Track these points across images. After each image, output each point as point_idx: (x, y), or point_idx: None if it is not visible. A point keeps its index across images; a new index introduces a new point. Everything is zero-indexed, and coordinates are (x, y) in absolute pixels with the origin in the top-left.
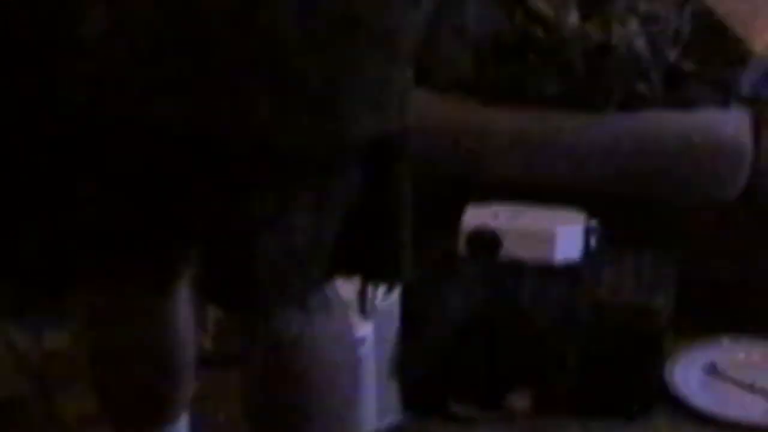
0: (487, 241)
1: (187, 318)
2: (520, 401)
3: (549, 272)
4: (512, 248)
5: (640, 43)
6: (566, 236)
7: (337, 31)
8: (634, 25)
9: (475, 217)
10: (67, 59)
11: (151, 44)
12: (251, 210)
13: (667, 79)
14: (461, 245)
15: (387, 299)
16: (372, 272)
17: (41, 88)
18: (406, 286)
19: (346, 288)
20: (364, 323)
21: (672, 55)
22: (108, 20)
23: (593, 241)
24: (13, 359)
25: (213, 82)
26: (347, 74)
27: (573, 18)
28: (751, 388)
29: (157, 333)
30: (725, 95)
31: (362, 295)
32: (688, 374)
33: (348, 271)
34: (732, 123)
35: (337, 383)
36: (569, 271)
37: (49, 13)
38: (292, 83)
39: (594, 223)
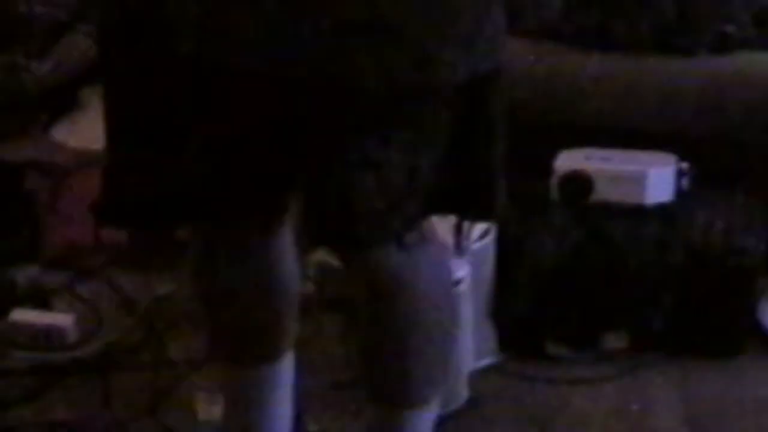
0: (579, 184)
1: (292, 258)
2: (615, 341)
3: (641, 213)
4: (604, 191)
5: None
6: (658, 178)
7: None
8: None
9: (567, 161)
10: (179, 6)
11: None
12: (350, 149)
13: (758, 20)
14: (554, 189)
15: (482, 240)
16: (467, 209)
17: (153, 34)
18: (500, 228)
19: (443, 229)
20: (460, 265)
21: None
22: None
23: (685, 183)
24: (123, 304)
25: (311, 27)
26: (440, 15)
27: None
28: None
29: (264, 272)
30: None
31: (458, 233)
32: None
33: (444, 209)
34: None
35: (437, 317)
36: (661, 212)
37: None
38: (388, 25)
39: (685, 164)
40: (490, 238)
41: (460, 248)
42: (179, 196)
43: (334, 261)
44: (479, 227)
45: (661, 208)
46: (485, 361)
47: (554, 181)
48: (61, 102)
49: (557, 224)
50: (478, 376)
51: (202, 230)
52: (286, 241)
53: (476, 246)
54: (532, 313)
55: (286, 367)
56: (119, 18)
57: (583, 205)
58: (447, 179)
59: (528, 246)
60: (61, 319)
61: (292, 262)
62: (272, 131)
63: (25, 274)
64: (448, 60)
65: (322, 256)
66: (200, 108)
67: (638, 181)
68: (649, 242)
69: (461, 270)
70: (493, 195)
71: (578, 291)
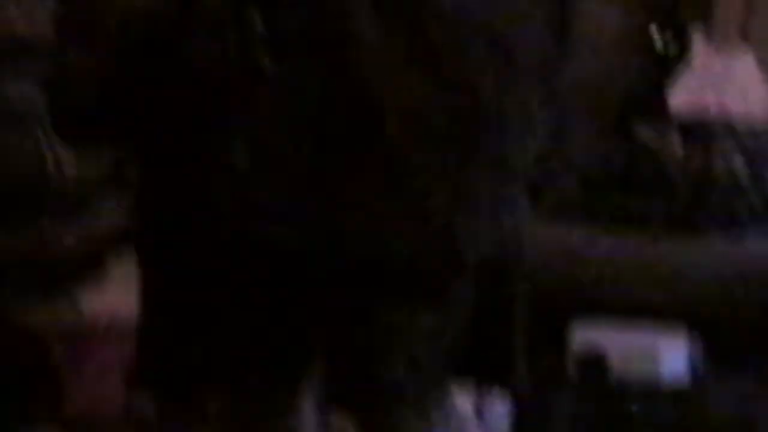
0: (594, 361)
1: (313, 423)
2: None
3: (655, 391)
4: (618, 366)
5: (741, 170)
6: (671, 354)
7: (459, 156)
8: (734, 151)
9: (582, 336)
10: (221, 183)
11: (292, 177)
12: (377, 323)
13: None
14: (570, 367)
15: (498, 413)
16: (488, 376)
17: (198, 209)
18: (516, 402)
19: (463, 402)
20: None
21: None
22: (252, 150)
23: (697, 359)
24: None
25: (347, 211)
26: (468, 198)
27: (676, 145)
28: None
29: None
30: None
31: (478, 401)
32: None
33: (464, 373)
34: None
35: None
36: (674, 389)
37: (205, 140)
38: (419, 208)
39: (698, 341)
40: (505, 411)
41: (479, 415)
42: (207, 362)
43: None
44: (496, 400)
45: (674, 385)
46: None
47: (570, 361)
48: (87, 269)
49: (573, 401)
50: None
51: (226, 395)
52: (309, 405)
53: (492, 418)
54: None
55: None
56: (156, 191)
57: (599, 382)
58: (468, 346)
59: (543, 421)
60: None
61: (314, 427)
62: (300, 300)
63: None
64: (472, 236)
65: (340, 424)
66: (233, 277)
67: (652, 357)
68: (663, 420)
69: None
70: (513, 361)
71: None
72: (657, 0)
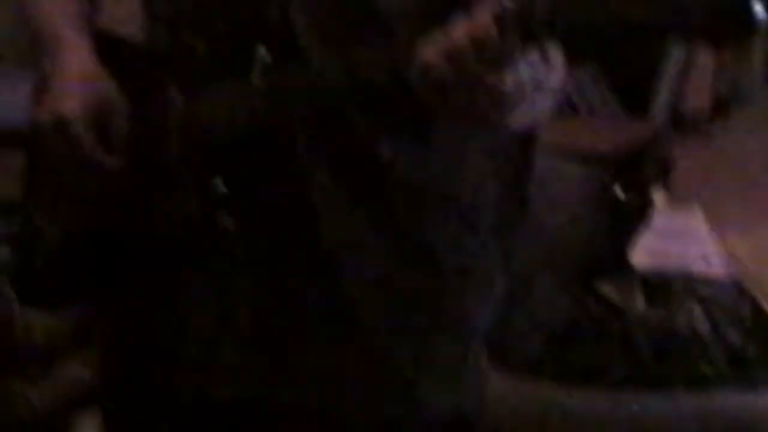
0: None
1: None
2: None
3: None
4: None
5: (703, 327)
6: None
7: (420, 318)
8: (696, 309)
9: None
10: (179, 345)
11: (253, 336)
12: None
13: (732, 361)
14: None
15: None
16: None
17: (161, 369)
18: None
19: None
20: None
21: (735, 338)
22: (214, 308)
23: None
24: None
25: (309, 370)
26: (429, 357)
27: (639, 302)
28: None
29: None
30: None
31: None
32: None
33: None
34: None
35: None
36: None
37: (167, 299)
38: (381, 368)
39: None
40: None
41: None
42: None
43: None
44: None
45: None
46: None
47: None
48: (53, 428)
49: None
50: None
51: None
52: None
53: None
54: None
55: None
56: (120, 350)
57: None
58: None
59: None
60: None
61: None
62: None
63: None
64: (432, 394)
65: None
66: None
67: None
68: None
69: None
70: None
71: None
72: (619, 158)
